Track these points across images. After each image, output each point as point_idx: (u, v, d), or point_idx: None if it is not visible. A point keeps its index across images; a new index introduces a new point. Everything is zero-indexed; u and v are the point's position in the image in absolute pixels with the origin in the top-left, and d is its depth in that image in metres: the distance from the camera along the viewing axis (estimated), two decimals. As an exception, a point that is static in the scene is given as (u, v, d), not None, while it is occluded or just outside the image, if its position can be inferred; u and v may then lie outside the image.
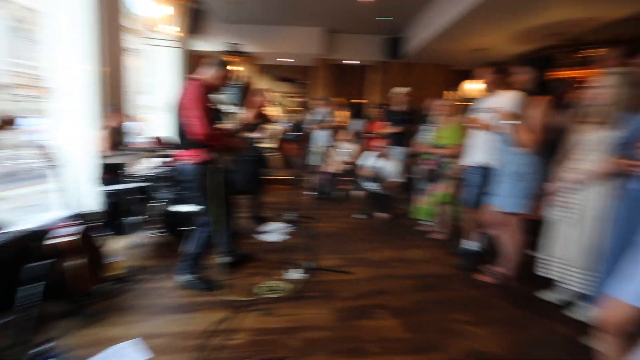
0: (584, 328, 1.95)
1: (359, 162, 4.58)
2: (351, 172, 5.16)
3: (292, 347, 1.76)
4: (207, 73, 2.23)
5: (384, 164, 4.25)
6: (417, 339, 1.85)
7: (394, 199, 5.19)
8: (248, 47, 6.32)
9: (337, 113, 5.56)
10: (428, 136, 3.68)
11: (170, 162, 3.34)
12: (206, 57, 2.43)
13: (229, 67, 2.28)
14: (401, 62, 7.05)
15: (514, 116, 2.30)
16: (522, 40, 5.36)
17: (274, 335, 1.85)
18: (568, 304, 2.25)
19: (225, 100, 5.61)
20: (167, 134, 4.49)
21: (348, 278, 2.55)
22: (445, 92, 7.12)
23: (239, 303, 2.14)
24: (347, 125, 5.96)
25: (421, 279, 2.61)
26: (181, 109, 2.11)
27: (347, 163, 5.04)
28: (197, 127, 2.06)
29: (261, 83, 8.85)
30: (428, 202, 3.51)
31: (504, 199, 2.43)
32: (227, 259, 2.60)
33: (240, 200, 4.59)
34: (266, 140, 3.63)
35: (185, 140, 2.17)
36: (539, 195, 3.07)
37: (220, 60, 2.26)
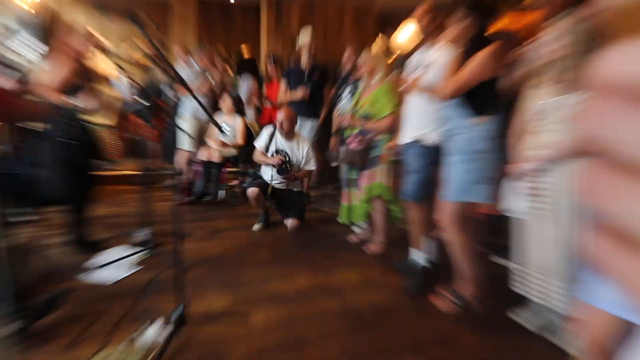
0: (568, 357, 2.10)
1: (254, 143, 4.51)
2: (241, 160, 5.10)
3: None
4: None
5: (291, 145, 4.25)
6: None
7: (309, 196, 5.13)
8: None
9: (216, 70, 5.44)
10: (350, 104, 3.76)
11: None
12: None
13: None
14: (305, 0, 7.03)
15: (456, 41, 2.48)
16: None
17: None
18: (551, 327, 2.40)
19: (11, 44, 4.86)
20: None
21: (245, 326, 2.47)
22: (375, 42, 7.37)
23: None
24: (233, 89, 5.84)
25: (355, 316, 2.62)
26: None
27: (234, 146, 4.99)
28: None
29: (80, 19, 7.94)
30: (359, 199, 3.59)
31: (453, 185, 2.56)
32: (17, 326, 2.18)
33: (53, 214, 3.96)
34: (97, 112, 3.30)
35: None
36: (499, 179, 3.33)
37: None
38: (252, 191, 4.20)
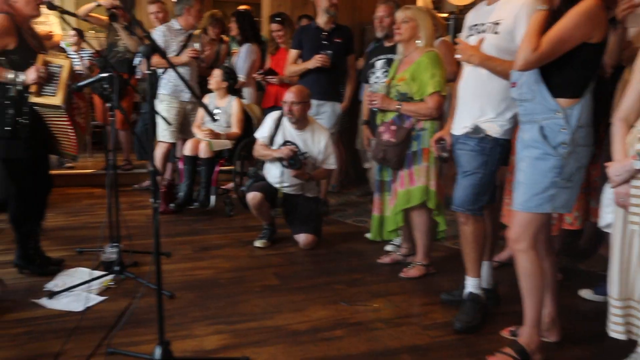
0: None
1: (255, 134, 4.51)
2: (238, 156, 5.11)
3: None
4: None
5: (303, 137, 4.24)
6: None
7: (327, 204, 5.11)
8: None
9: (208, 36, 5.51)
10: (384, 81, 3.76)
11: None
12: None
13: None
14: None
15: None
16: None
17: None
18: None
19: None
20: None
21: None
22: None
23: None
24: (227, 59, 5.85)
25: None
26: None
27: (228, 137, 5.03)
28: None
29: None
30: (394, 207, 3.58)
31: (524, 189, 2.54)
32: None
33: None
34: (46, 89, 3.25)
35: None
36: (591, 184, 3.24)
37: None
38: (252, 197, 4.18)
